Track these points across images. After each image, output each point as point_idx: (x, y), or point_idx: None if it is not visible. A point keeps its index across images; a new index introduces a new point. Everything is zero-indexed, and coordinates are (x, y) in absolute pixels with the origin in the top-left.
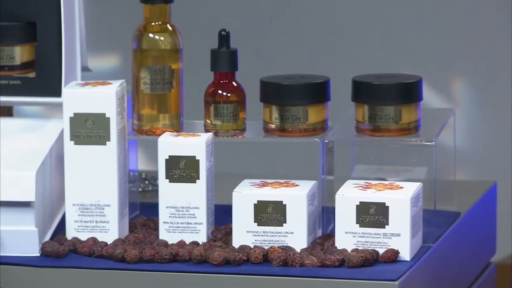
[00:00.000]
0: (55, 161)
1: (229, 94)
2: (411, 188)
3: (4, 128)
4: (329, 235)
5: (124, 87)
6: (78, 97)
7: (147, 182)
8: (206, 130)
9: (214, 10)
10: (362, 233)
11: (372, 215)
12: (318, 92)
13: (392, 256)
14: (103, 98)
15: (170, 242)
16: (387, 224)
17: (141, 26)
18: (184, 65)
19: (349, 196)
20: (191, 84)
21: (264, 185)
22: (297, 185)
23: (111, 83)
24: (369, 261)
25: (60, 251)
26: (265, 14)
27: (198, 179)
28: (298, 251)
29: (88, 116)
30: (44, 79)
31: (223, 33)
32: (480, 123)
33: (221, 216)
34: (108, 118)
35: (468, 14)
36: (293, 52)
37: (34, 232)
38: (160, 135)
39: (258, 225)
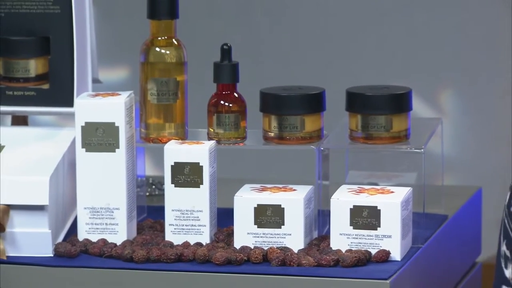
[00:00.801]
0: (68, 167)
1: (230, 104)
2: (402, 192)
3: (20, 136)
4: (325, 237)
5: (132, 97)
6: (89, 107)
7: (154, 186)
8: (209, 138)
9: (216, 26)
10: (355, 235)
11: (365, 218)
12: (314, 102)
13: (384, 256)
14: (113, 108)
15: (175, 243)
16: (379, 226)
17: (148, 40)
18: (188, 77)
19: (343, 200)
20: (195, 95)
21: (263, 189)
22: (294, 190)
23: (120, 94)
24: (362, 261)
25: (72, 251)
26: (265, 30)
27: (202, 184)
28: (296, 251)
29: (98, 125)
30: (57, 90)
31: (225, 47)
32: (466, 132)
33: (223, 218)
34: (117, 127)
35: (454, 31)
36: (291, 65)
37: (48, 234)
38: (166, 142)
39: (258, 227)
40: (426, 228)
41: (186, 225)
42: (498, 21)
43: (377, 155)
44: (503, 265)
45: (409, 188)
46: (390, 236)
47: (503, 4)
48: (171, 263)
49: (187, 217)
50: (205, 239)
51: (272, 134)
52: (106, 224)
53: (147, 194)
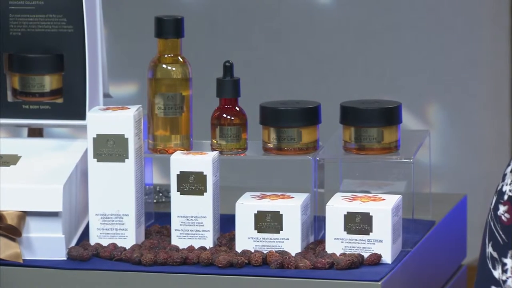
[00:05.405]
0: (80, 176)
1: (232, 118)
2: (392, 199)
3: (35, 147)
4: (320, 241)
5: (141, 111)
6: (100, 120)
7: (161, 194)
8: (213, 149)
9: (219, 44)
10: (349, 239)
11: (358, 223)
12: (311, 115)
13: (376, 260)
14: (122, 121)
15: (181, 247)
16: (371, 231)
17: (155, 58)
18: (193, 92)
19: (337, 207)
20: (199, 108)
21: (263, 197)
22: (292, 197)
23: (129, 108)
24: (355, 264)
25: (84, 255)
26: (264, 49)
27: (206, 191)
28: (293, 255)
29: (109, 137)
30: (71, 104)
31: (227, 64)
32: (452, 143)
33: (226, 224)
34: (127, 139)
35: (439, 50)
36: (289, 81)
37: (61, 239)
38: (172, 153)
39: (258, 232)
40: (415, 233)
41: (191, 230)
42: (479, 42)
43: (369, 165)
44: (490, 266)
45: (399, 195)
46: (381, 241)
47: (484, 25)
48: (177, 265)
49: (191, 222)
50: (208, 243)
51: (271, 145)
52: (116, 229)
53: (155, 201)
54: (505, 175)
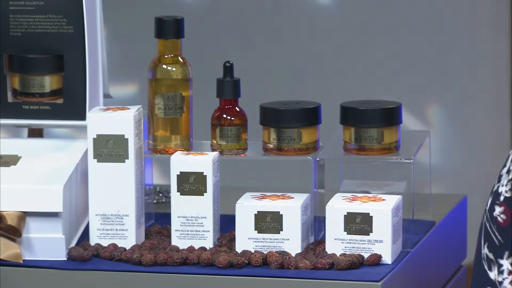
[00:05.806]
0: (80, 176)
1: (232, 118)
2: (392, 200)
3: (35, 148)
4: (320, 241)
5: (141, 111)
6: (101, 120)
7: (161, 194)
8: (213, 149)
9: (220, 45)
10: (349, 240)
11: (358, 224)
12: (311, 116)
13: (376, 260)
14: (122, 121)
15: (181, 248)
16: (371, 232)
17: (155, 58)
18: (193, 92)
19: (338, 207)
20: (200, 109)
21: (263, 197)
22: (292, 198)
23: (129, 108)
24: (355, 264)
25: (85, 255)
26: (264, 50)
27: (206, 192)
28: (293, 255)
29: (109, 137)
30: (71, 105)
31: (227, 64)
32: (452, 143)
33: (226, 224)
34: (127, 139)
35: (438, 51)
36: (289, 81)
37: (62, 239)
38: (172, 154)
39: (258, 233)
40: (415, 234)
41: (191, 231)
42: (479, 42)
43: (370, 165)
44: (486, 268)
45: (399, 196)
46: (381, 241)
47: (484, 25)
48: (177, 266)
49: (192, 223)
50: (208, 243)
51: (271, 146)
52: (116, 229)
53: (155, 201)
54: (500, 176)
